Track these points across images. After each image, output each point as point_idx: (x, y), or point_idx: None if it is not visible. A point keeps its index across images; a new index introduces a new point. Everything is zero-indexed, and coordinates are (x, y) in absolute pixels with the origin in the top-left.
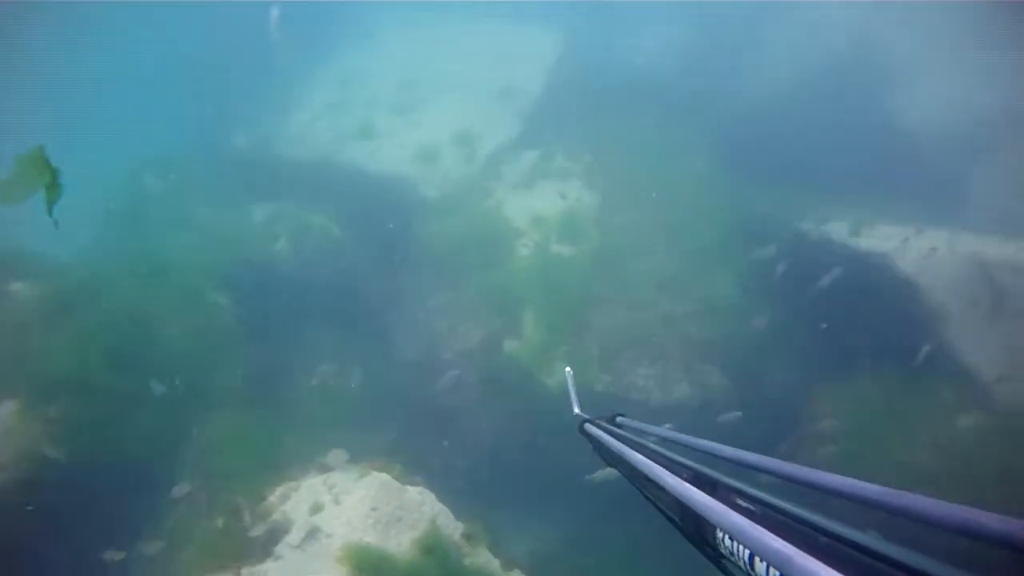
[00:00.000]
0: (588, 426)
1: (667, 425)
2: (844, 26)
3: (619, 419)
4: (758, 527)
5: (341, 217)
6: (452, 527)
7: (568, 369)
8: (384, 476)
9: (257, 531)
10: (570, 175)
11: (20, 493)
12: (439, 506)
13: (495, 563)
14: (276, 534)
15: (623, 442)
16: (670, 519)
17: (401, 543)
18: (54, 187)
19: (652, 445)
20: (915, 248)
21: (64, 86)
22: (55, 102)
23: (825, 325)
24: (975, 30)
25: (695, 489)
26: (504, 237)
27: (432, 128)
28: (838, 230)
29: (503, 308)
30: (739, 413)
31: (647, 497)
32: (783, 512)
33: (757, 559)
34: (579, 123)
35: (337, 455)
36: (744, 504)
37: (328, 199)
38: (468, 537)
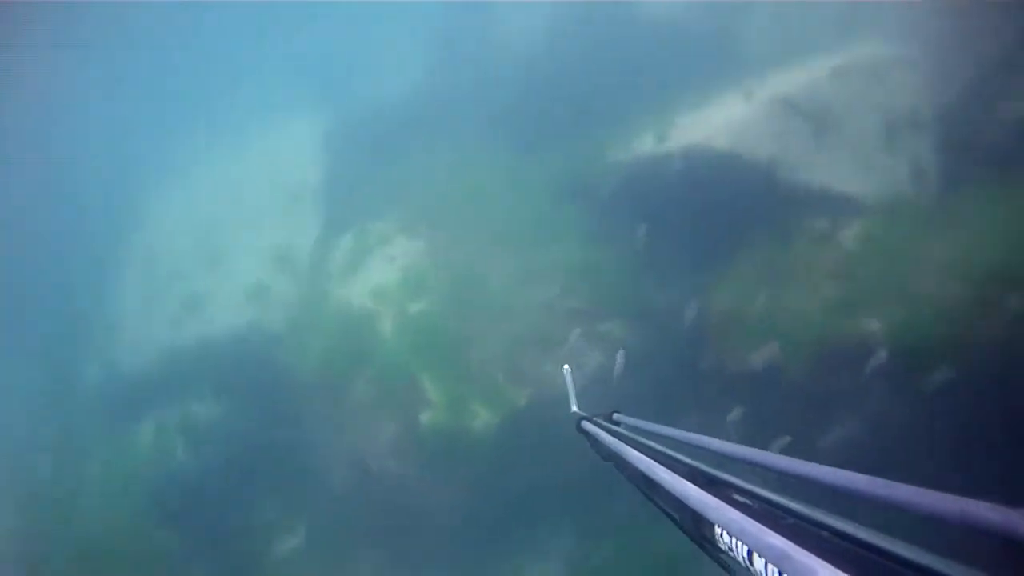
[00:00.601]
0: (585, 424)
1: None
2: None
3: (616, 416)
4: (756, 523)
5: (216, 394)
6: None
7: (566, 367)
8: None
9: None
10: (389, 236)
11: None
12: None
13: None
14: None
15: (620, 439)
16: (668, 516)
17: None
18: None
19: (649, 442)
20: (720, 122)
21: None
22: None
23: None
24: None
25: (692, 485)
26: (362, 326)
27: (246, 264)
28: (644, 142)
29: (400, 389)
30: (622, 351)
31: (645, 494)
32: (780, 507)
33: (755, 555)
34: (372, 185)
35: None
36: (741, 500)
37: (194, 385)
38: None
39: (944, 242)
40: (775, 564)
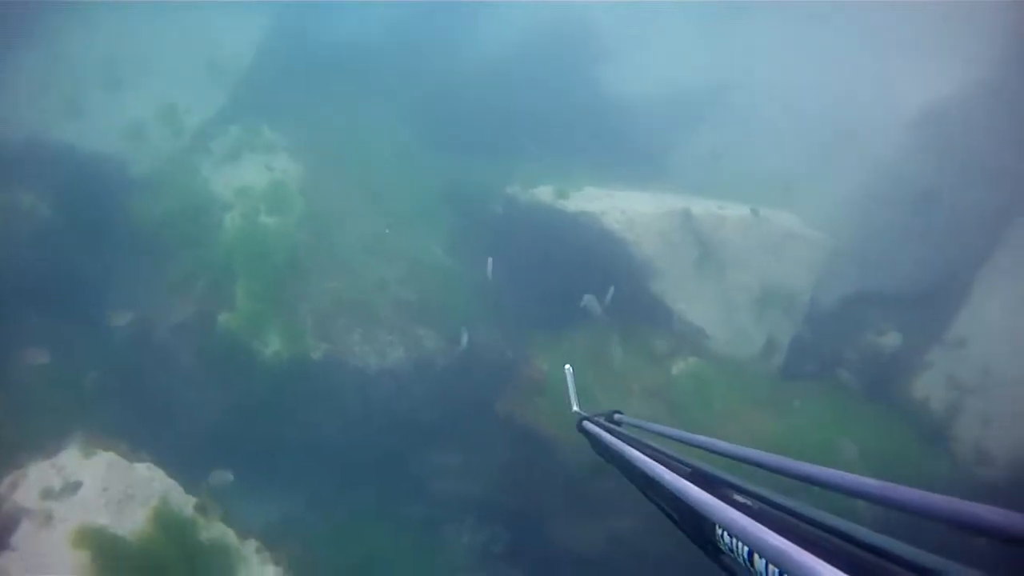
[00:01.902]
0: (586, 423)
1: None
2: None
3: (617, 416)
4: (756, 523)
5: (52, 196)
6: (184, 501)
7: (568, 367)
8: (110, 455)
9: None
10: (276, 148)
11: None
12: (169, 481)
13: (230, 533)
14: (10, 525)
15: (621, 439)
16: (669, 516)
17: (135, 521)
18: None
19: (650, 442)
20: (620, 207)
21: None
22: None
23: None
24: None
25: (693, 486)
26: (211, 211)
27: (139, 105)
28: (545, 193)
29: (214, 281)
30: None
31: (645, 494)
32: (782, 508)
33: (756, 555)
34: (286, 97)
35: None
36: (742, 500)
37: (37, 178)
38: (201, 510)
39: (757, 413)
40: (775, 564)
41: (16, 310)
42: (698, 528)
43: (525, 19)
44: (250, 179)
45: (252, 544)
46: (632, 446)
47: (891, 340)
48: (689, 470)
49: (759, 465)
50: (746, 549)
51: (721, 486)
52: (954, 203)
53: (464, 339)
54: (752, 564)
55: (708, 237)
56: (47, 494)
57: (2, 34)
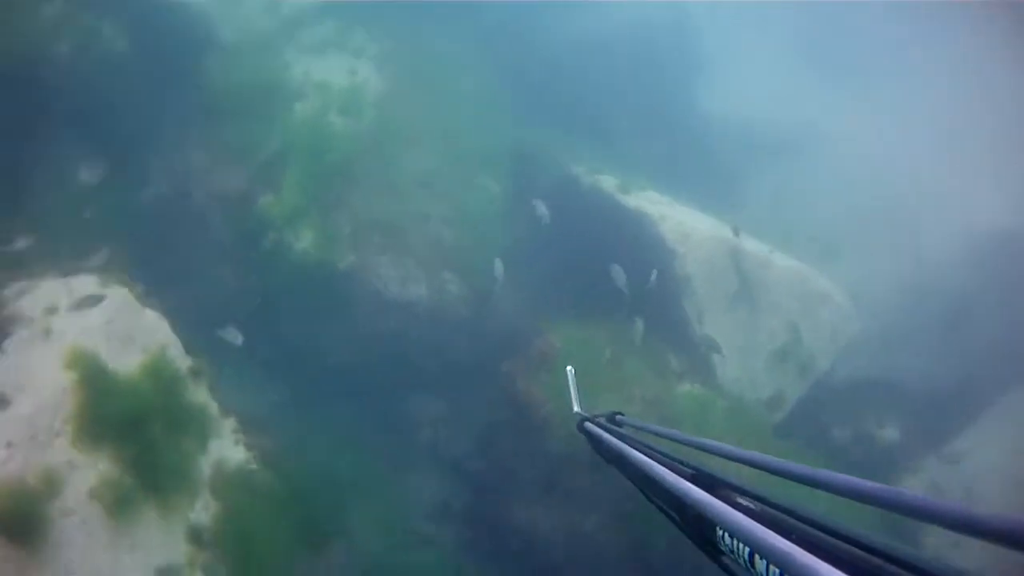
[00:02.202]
0: (587, 424)
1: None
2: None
3: (618, 417)
4: (758, 525)
5: (133, 33)
6: (180, 360)
7: (569, 368)
8: (125, 292)
9: None
10: (364, 54)
11: None
12: (172, 336)
13: (213, 406)
14: (6, 327)
15: (623, 440)
16: (670, 517)
17: (129, 363)
18: None
19: (651, 443)
20: (678, 218)
21: None
22: None
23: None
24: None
25: (694, 487)
26: (284, 95)
27: None
28: (608, 182)
29: (267, 162)
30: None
31: (646, 495)
32: (784, 510)
33: (757, 557)
34: (387, 8)
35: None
36: (744, 502)
37: (122, 12)
38: (194, 373)
39: None
40: (777, 566)
41: (74, 128)
42: (699, 529)
43: (635, 14)
44: (330, 76)
45: (231, 423)
46: (633, 447)
47: (888, 434)
48: (690, 471)
49: (760, 467)
50: (747, 550)
51: (722, 488)
52: (989, 327)
53: (498, 269)
54: (753, 566)
55: (750, 275)
56: (52, 310)
57: None
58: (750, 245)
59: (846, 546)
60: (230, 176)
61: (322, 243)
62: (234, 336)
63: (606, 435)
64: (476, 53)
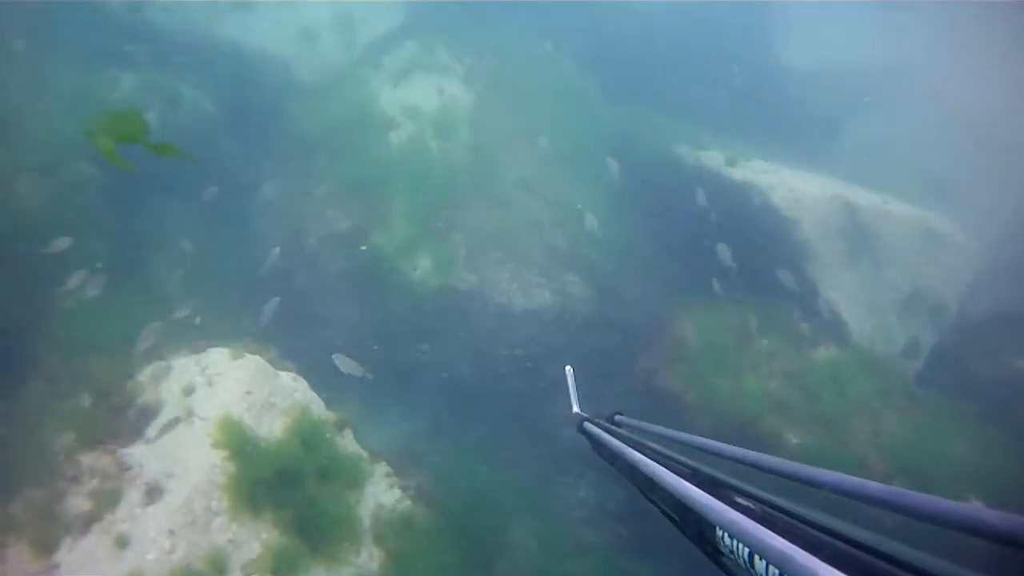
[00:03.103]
0: (587, 425)
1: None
2: None
3: (618, 418)
4: (758, 525)
5: (213, 92)
6: (323, 414)
7: (568, 368)
8: (258, 359)
9: (127, 411)
10: (448, 71)
11: None
12: (311, 394)
13: (363, 455)
14: (147, 415)
15: (622, 440)
16: (669, 517)
17: (273, 429)
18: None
19: (651, 443)
20: (788, 185)
21: None
22: None
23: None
24: None
25: (694, 487)
26: (377, 126)
27: (313, 8)
28: (713, 158)
29: (372, 197)
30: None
31: (646, 495)
32: (783, 510)
33: (757, 557)
34: (464, 22)
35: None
36: (744, 502)
37: (201, 72)
38: (339, 425)
39: (886, 413)
40: (776, 566)
41: (169, 200)
42: (699, 530)
43: None
44: (419, 99)
45: (382, 467)
46: (633, 448)
47: None
48: (690, 472)
49: (760, 468)
50: (747, 551)
51: (722, 488)
52: None
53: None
54: (753, 566)
55: (867, 228)
56: (189, 390)
57: None
58: (863, 198)
59: (846, 546)
60: (338, 217)
61: (440, 268)
62: (354, 368)
63: (606, 436)
64: (555, 47)
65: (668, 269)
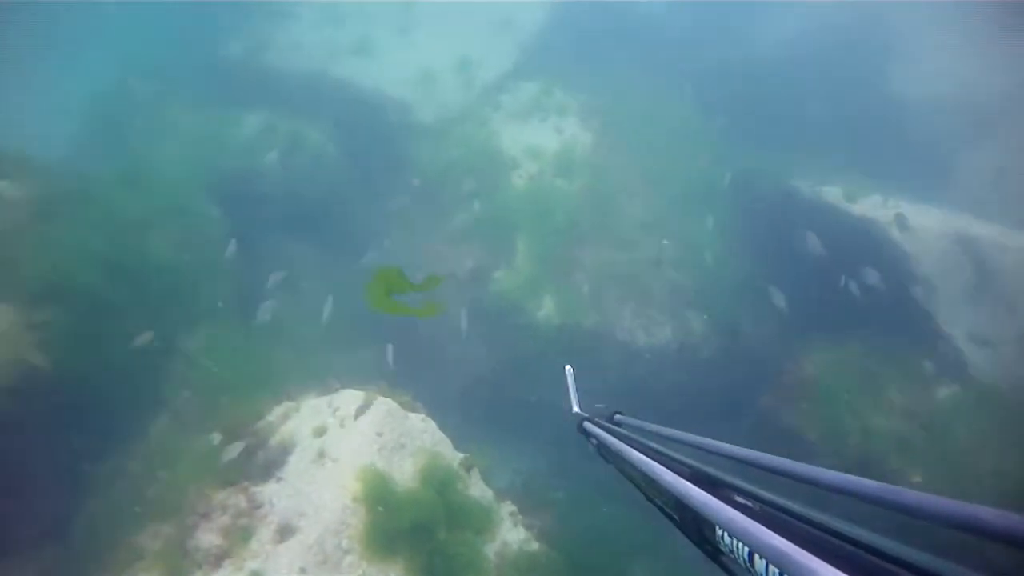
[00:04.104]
0: (587, 424)
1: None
2: None
3: (617, 417)
4: (757, 524)
5: (334, 134)
6: (451, 457)
7: (568, 367)
8: (388, 402)
9: (259, 450)
10: (567, 111)
11: (2, 400)
12: (439, 435)
13: (489, 494)
14: (279, 455)
15: (622, 440)
16: (669, 516)
17: (404, 471)
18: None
19: (650, 443)
20: (905, 219)
21: None
22: None
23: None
24: (986, 14)
25: (693, 486)
26: (499, 167)
27: (430, 51)
28: (832, 194)
29: (495, 237)
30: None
31: (646, 494)
32: (782, 509)
33: (756, 556)
34: (577, 61)
35: (336, 377)
36: (743, 501)
37: (321, 114)
38: (467, 466)
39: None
40: (776, 565)
41: (293, 240)
42: (698, 529)
43: (820, 11)
44: (539, 139)
45: (507, 506)
46: (633, 447)
47: None
48: (689, 471)
49: (760, 467)
50: (746, 550)
51: (722, 487)
52: None
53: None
54: (752, 565)
55: (987, 262)
56: (321, 431)
57: None
58: (982, 231)
59: (845, 545)
60: (462, 257)
61: (563, 306)
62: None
63: (606, 435)
64: (669, 82)
65: (789, 307)
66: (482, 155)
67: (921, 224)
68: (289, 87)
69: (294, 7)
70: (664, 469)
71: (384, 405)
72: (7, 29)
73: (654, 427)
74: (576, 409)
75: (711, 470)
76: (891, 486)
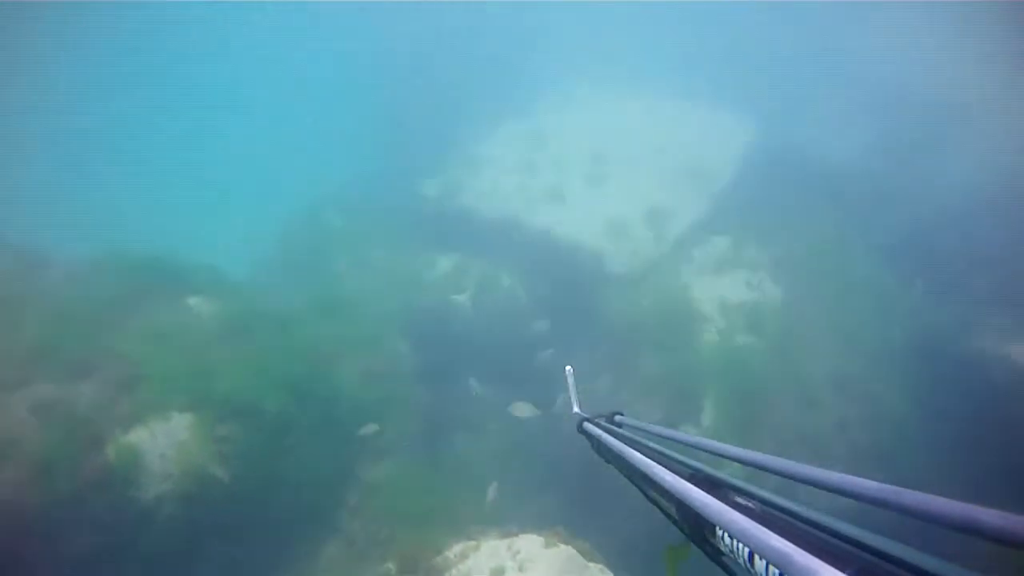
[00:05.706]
0: (587, 425)
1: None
2: None
3: (618, 418)
4: (757, 525)
5: (526, 279)
6: None
7: (568, 368)
8: (569, 549)
9: None
10: (758, 265)
11: (179, 505)
12: None
13: None
14: None
15: (622, 441)
16: (669, 517)
17: None
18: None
19: (651, 443)
20: None
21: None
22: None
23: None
24: None
25: (694, 487)
26: (689, 320)
27: (621, 202)
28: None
29: (683, 391)
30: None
31: (646, 496)
32: (783, 510)
33: (757, 557)
34: (768, 213)
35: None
36: (744, 502)
37: (514, 259)
38: None
39: None
40: (776, 566)
41: (486, 384)
42: (698, 529)
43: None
44: (730, 293)
45: None
46: (633, 448)
47: None
48: (690, 472)
49: (760, 468)
50: (747, 551)
51: (722, 488)
52: None
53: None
54: (752, 566)
55: None
56: (497, 572)
57: (493, 107)
58: None
59: (846, 546)
60: (650, 409)
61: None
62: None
63: (606, 436)
64: (860, 236)
65: (986, 479)
66: (673, 307)
67: None
68: (482, 230)
69: (490, 154)
70: (664, 470)
71: (564, 552)
72: (201, 151)
73: (654, 428)
74: (576, 409)
75: (711, 470)
76: (891, 486)
